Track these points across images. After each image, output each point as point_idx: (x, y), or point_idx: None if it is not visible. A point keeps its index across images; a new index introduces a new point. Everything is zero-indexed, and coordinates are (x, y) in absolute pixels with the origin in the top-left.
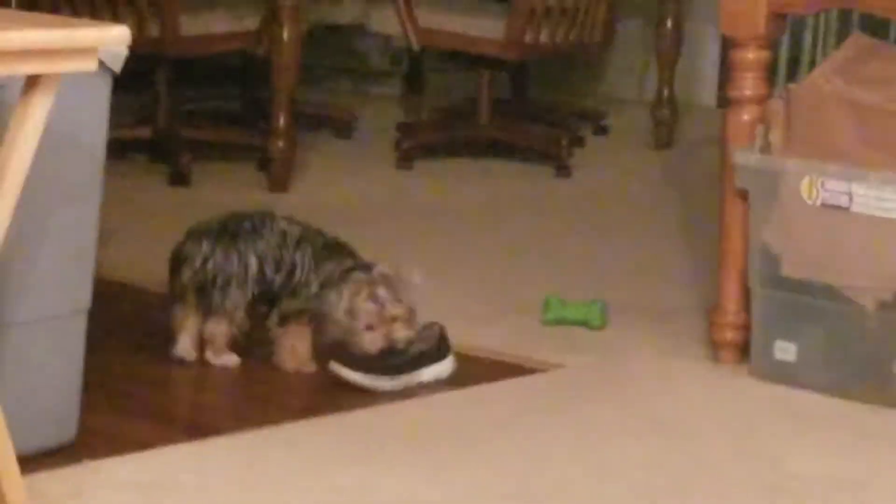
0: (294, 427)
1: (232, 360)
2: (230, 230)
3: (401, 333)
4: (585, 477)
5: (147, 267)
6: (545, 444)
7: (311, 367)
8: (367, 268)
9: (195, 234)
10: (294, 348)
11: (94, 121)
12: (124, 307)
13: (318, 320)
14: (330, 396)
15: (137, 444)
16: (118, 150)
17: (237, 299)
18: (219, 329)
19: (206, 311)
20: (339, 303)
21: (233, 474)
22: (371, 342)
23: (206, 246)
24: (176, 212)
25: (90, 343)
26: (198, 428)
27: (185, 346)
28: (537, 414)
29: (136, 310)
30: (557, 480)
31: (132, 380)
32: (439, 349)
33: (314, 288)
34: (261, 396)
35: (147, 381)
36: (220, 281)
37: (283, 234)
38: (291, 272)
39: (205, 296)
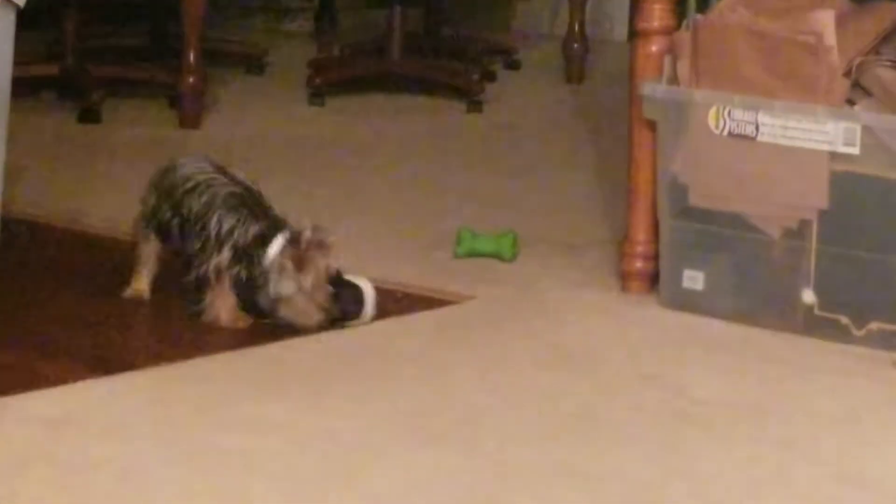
0: (208, 362)
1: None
2: None
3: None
4: (496, 407)
5: (57, 205)
6: (456, 374)
7: (246, 322)
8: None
9: None
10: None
11: None
12: (34, 245)
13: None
14: (247, 334)
15: (49, 381)
16: (27, 87)
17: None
18: None
19: None
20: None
21: (145, 409)
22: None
23: None
24: (86, 149)
25: None
26: (111, 365)
27: None
28: (449, 346)
29: (46, 247)
30: (468, 410)
31: (43, 317)
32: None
33: (226, 253)
34: (178, 335)
35: (58, 318)
36: None
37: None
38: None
39: None
